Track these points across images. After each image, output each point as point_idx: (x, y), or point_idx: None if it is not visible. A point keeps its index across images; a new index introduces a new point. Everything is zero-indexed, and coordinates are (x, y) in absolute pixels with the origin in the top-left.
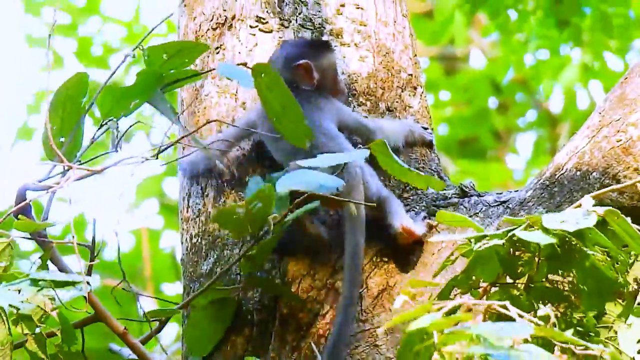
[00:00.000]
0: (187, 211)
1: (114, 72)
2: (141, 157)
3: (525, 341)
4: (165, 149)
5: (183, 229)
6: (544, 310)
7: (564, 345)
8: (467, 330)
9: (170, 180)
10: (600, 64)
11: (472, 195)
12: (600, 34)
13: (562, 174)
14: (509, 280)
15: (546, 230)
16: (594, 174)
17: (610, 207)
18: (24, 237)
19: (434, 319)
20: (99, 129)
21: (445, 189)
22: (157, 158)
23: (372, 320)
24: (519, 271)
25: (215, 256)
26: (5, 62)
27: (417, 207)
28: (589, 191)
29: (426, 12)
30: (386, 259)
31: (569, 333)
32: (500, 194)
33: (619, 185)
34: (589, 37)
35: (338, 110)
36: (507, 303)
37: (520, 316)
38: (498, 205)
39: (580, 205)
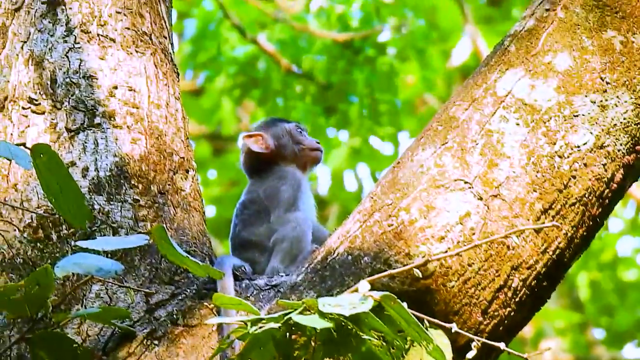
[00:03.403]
0: None
1: None
2: None
3: None
4: None
5: None
6: None
7: None
8: None
9: None
10: (367, 148)
11: (243, 279)
12: (368, 120)
13: (333, 257)
14: None
15: (322, 314)
16: (366, 258)
17: (387, 292)
18: None
19: None
20: None
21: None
22: None
23: None
24: (295, 355)
25: None
26: None
27: (188, 290)
28: (361, 275)
29: (196, 89)
30: (157, 342)
31: None
32: (271, 277)
33: (395, 270)
34: (357, 124)
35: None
36: None
37: None
38: (269, 289)
39: (356, 290)
